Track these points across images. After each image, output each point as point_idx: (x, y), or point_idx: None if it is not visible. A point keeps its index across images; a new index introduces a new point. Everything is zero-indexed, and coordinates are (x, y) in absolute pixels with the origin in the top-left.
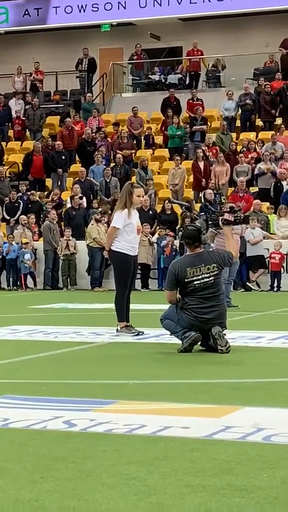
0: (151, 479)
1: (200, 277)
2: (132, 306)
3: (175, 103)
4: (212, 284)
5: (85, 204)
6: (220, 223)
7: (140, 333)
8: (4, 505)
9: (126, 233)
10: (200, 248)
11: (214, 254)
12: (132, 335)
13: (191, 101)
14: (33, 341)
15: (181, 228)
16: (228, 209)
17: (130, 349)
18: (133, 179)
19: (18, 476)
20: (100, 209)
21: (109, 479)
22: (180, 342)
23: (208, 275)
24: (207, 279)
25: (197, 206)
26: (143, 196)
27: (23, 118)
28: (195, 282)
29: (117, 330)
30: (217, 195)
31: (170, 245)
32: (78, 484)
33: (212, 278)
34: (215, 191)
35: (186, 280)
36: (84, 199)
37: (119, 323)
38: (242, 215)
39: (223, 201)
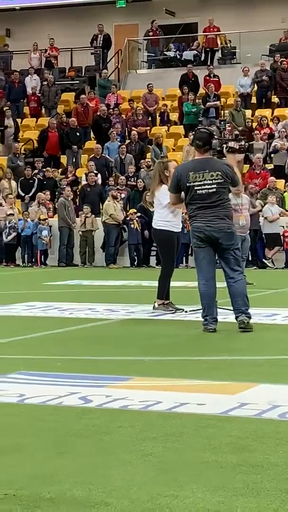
0: (167, 455)
1: (202, 183)
2: (149, 283)
3: (193, 79)
4: (215, 192)
5: (100, 181)
6: (225, 150)
7: (179, 311)
8: (21, 480)
9: (169, 210)
10: (209, 154)
11: (221, 164)
12: (170, 312)
13: (208, 77)
14: (48, 317)
15: (193, 132)
16: (234, 137)
17: (146, 326)
18: (148, 156)
19: (34, 452)
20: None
21: (125, 455)
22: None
23: (211, 182)
24: (209, 186)
25: None
26: None
27: (39, 95)
28: (196, 188)
29: (154, 307)
30: (222, 122)
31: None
32: (95, 460)
33: (215, 186)
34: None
35: (187, 184)
36: (99, 176)
37: (158, 300)
38: (246, 144)
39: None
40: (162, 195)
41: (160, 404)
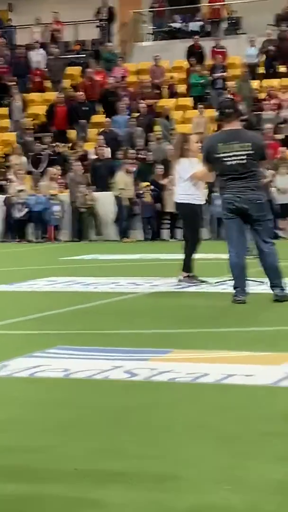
0: (227, 427)
1: (231, 154)
2: (166, 257)
3: (199, 50)
4: (245, 164)
5: (109, 155)
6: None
7: (203, 283)
8: (88, 455)
9: (190, 183)
10: (238, 123)
11: (251, 134)
12: (194, 285)
13: (214, 48)
14: (73, 292)
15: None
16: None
17: (174, 299)
18: (156, 128)
19: (95, 426)
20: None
21: (185, 428)
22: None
23: (241, 153)
24: (239, 158)
25: None
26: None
27: (44, 69)
28: (225, 159)
29: (179, 279)
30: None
31: None
32: (155, 434)
33: (245, 157)
34: None
35: (216, 155)
36: (108, 149)
37: (183, 273)
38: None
39: None
40: (183, 169)
41: (207, 376)
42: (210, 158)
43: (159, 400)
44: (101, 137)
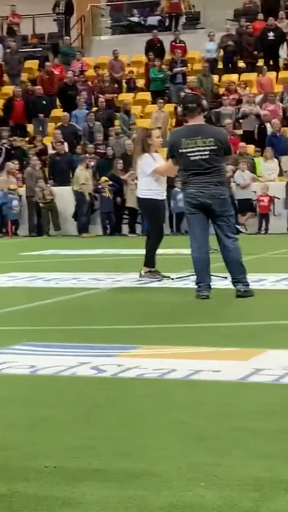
0: (198, 423)
1: (194, 149)
2: (127, 252)
3: (158, 45)
4: (208, 159)
5: (66, 149)
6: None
7: (166, 278)
8: (58, 452)
9: (152, 178)
10: (201, 118)
11: (215, 130)
12: (156, 280)
13: (173, 43)
14: (35, 287)
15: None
16: None
17: (137, 294)
18: (116, 123)
19: (64, 424)
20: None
21: (157, 424)
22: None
23: (204, 148)
24: (201, 153)
25: None
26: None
27: (1, 63)
28: (188, 154)
29: (140, 275)
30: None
31: None
32: (126, 430)
33: (208, 152)
34: None
35: (180, 151)
36: (66, 144)
37: (144, 268)
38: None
39: None
40: (145, 164)
41: (175, 372)
42: (174, 153)
43: (128, 397)
44: (59, 131)
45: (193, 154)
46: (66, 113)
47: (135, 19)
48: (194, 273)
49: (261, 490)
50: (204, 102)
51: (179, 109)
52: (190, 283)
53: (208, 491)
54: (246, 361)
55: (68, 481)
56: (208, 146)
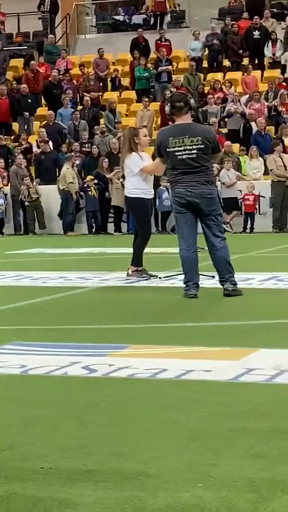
0: (192, 423)
1: (182, 148)
2: (113, 250)
3: (143, 43)
4: (196, 158)
5: (51, 148)
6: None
7: (153, 277)
8: (53, 453)
9: (140, 177)
10: (189, 117)
11: (202, 129)
12: (144, 279)
13: (159, 42)
14: (23, 287)
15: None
16: None
17: (124, 293)
18: (102, 121)
19: (57, 424)
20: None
21: (149, 424)
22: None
23: (191, 147)
24: (189, 152)
25: None
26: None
27: None
28: (176, 154)
29: (127, 274)
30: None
31: None
32: (120, 431)
33: (195, 151)
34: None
35: (167, 150)
36: (50, 142)
37: (131, 267)
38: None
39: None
40: (133, 163)
41: (166, 371)
42: (162, 152)
43: (120, 397)
44: (43, 130)
45: (180, 153)
46: (51, 112)
47: (120, 17)
48: (182, 272)
49: (258, 491)
50: (192, 101)
51: (167, 108)
52: (177, 282)
53: (206, 492)
54: (237, 361)
55: (64, 482)
56: (195, 145)
